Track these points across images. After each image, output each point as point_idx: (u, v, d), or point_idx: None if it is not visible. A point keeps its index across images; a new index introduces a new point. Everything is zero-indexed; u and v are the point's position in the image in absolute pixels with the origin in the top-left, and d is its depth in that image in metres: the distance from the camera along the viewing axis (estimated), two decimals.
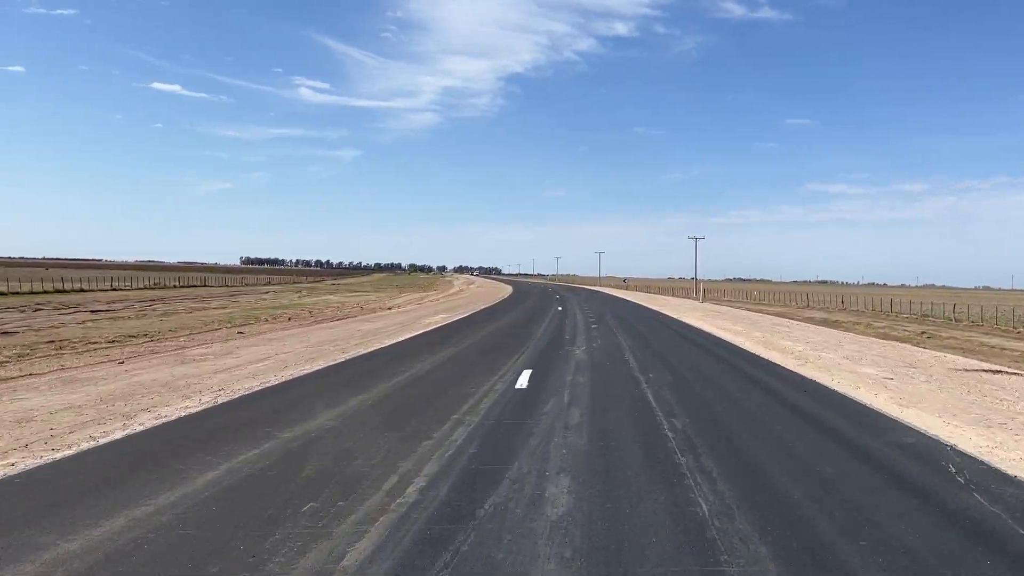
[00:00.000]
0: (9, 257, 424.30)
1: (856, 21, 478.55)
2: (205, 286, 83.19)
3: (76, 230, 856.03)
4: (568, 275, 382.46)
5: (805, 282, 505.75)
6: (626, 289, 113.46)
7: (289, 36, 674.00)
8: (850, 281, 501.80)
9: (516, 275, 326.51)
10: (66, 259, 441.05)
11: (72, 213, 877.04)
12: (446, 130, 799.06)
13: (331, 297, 53.74)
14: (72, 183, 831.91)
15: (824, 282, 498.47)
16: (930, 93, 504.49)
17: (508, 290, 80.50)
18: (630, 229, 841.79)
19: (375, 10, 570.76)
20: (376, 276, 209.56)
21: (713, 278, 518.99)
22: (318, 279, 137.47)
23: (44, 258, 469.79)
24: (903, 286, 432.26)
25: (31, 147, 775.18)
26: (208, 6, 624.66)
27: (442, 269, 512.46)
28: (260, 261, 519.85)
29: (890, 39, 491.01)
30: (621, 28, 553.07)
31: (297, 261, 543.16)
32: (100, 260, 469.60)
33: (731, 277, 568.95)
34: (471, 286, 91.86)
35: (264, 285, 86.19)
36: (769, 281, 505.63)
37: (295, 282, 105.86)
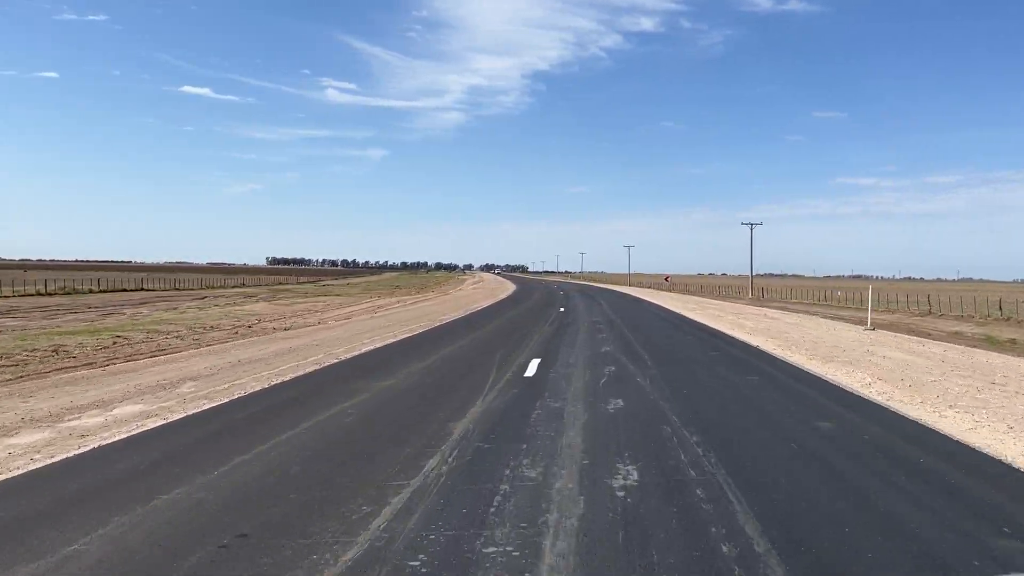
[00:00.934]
0: (27, 259, 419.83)
1: (886, 12, 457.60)
2: (142, 289, 70.01)
3: (110, 232, 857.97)
4: (594, 272, 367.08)
5: (839, 277, 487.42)
6: (668, 290, 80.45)
7: (315, 37, 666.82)
8: (886, 275, 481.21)
9: (541, 272, 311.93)
10: (94, 261, 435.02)
11: (106, 215, 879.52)
12: (472, 128, 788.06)
13: (255, 307, 40.05)
14: (105, 186, 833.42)
15: (858, 276, 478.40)
16: (961, 84, 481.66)
17: (510, 290, 69.25)
18: (655, 225, 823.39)
19: (400, 10, 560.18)
20: (388, 275, 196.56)
21: (740, 273, 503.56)
22: (316, 279, 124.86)
23: (77, 260, 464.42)
24: (939, 280, 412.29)
25: (65, 151, 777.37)
26: (235, 9, 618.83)
27: (468, 267, 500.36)
28: (286, 261, 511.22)
29: (920, 30, 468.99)
30: (647, 23, 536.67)
31: (323, 261, 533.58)
32: (129, 262, 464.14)
33: (759, 273, 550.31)
34: (477, 285, 79.78)
35: (231, 288, 72.60)
36: (801, 276, 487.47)
37: (281, 283, 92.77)
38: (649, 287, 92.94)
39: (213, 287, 72.47)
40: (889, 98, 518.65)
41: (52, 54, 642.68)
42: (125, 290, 65.01)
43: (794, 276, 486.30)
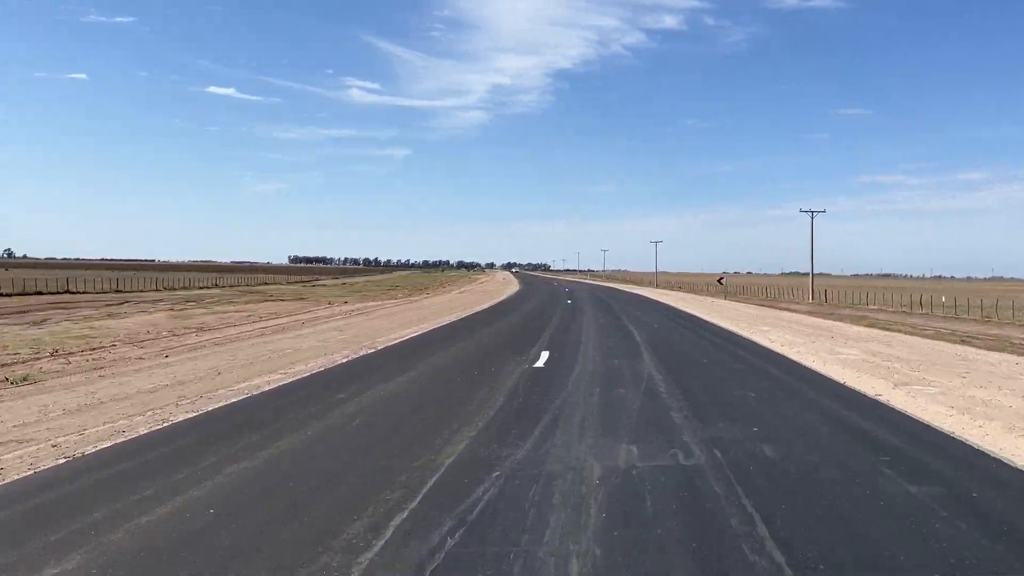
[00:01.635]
0: (52, 258, 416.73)
1: (912, 6, 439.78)
2: (117, 291, 59.46)
3: (138, 232, 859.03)
4: (617, 271, 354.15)
5: (867, 275, 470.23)
6: (723, 296, 58.76)
7: (339, 37, 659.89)
8: (915, 274, 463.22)
9: (561, 272, 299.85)
10: (120, 260, 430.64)
11: (133, 215, 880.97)
12: (495, 127, 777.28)
13: (198, 312, 28.97)
14: (132, 186, 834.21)
15: (887, 275, 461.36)
16: (990, 78, 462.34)
17: (513, 290, 57.75)
18: (679, 223, 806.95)
19: (423, 9, 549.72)
20: (398, 275, 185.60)
21: (769, 272, 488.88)
22: (316, 279, 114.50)
23: (103, 259, 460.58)
24: (970, 279, 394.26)
25: (94, 152, 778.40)
26: (259, 9, 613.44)
27: (490, 265, 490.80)
28: (308, 260, 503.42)
29: (948, 24, 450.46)
30: (670, 21, 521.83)
31: (345, 259, 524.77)
32: (153, 260, 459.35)
33: (786, 271, 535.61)
34: (483, 284, 69.75)
35: (197, 288, 61.52)
36: (828, 275, 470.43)
37: (268, 283, 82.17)
38: (676, 288, 79.50)
39: (172, 288, 61.74)
40: (916, 94, 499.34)
41: (81, 56, 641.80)
42: (40, 293, 54.34)
43: (821, 275, 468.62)
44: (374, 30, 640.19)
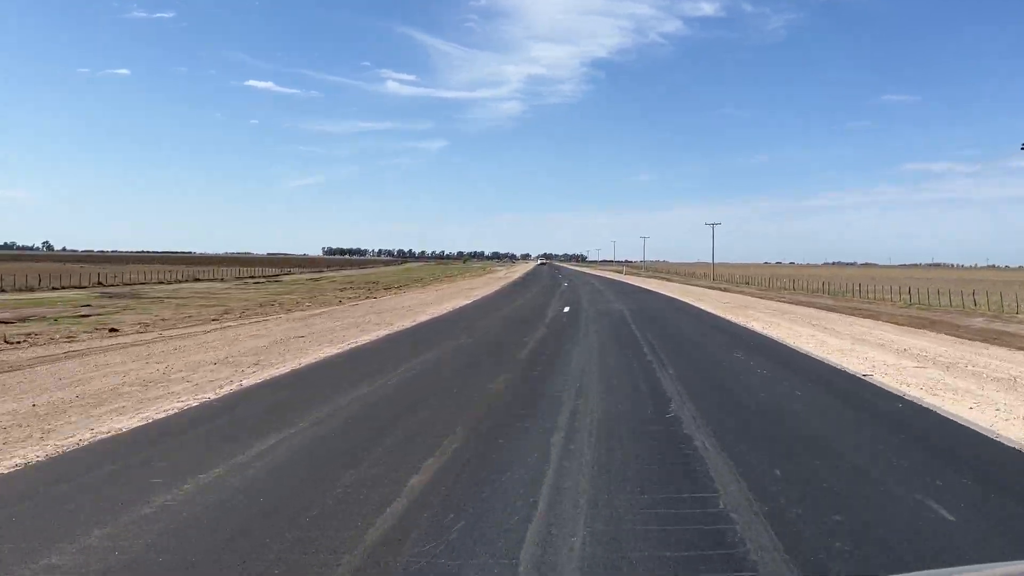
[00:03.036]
0: (98, 251, 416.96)
1: None
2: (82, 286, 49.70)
3: (179, 225, 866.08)
4: (656, 262, 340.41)
5: (915, 266, 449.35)
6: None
7: (375, 29, 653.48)
8: (966, 263, 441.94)
9: (597, 263, 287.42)
10: (159, 252, 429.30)
11: (173, 208, 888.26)
12: (530, 118, 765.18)
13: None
14: (173, 179, 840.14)
15: (937, 265, 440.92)
16: None
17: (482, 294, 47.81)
18: (719, 213, 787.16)
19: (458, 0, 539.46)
20: (414, 266, 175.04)
21: (812, 262, 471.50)
22: (319, 269, 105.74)
23: (143, 251, 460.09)
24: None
25: (136, 146, 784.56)
26: (295, 2, 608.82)
27: (526, 256, 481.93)
28: (341, 251, 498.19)
29: (995, 5, 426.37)
30: (707, 8, 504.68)
31: (379, 251, 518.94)
32: (191, 253, 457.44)
33: (830, 261, 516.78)
34: (483, 278, 59.65)
35: (172, 284, 51.04)
36: (875, 265, 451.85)
37: (282, 274, 72.44)
38: (743, 285, 68.01)
39: (167, 283, 52.50)
40: (963, 79, 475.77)
41: (123, 52, 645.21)
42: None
43: (865, 265, 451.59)
44: (410, 21, 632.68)
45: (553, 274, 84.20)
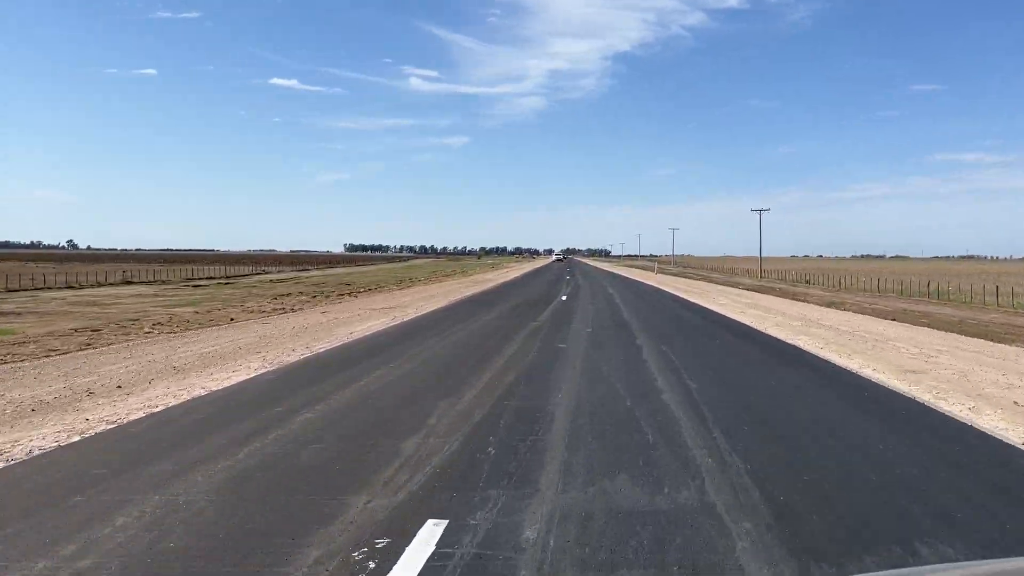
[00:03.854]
0: (121, 249, 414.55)
1: None
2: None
3: (206, 222, 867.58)
4: (682, 255, 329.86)
5: (947, 258, 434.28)
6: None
7: (397, 26, 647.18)
8: (1000, 255, 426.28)
9: (622, 257, 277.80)
10: (183, 250, 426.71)
11: (200, 206, 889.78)
12: (553, 113, 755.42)
13: None
14: (199, 177, 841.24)
15: (970, 257, 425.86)
16: None
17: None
18: (744, 206, 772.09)
19: None
20: (419, 262, 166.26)
21: (840, 255, 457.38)
22: (309, 266, 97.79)
23: (165, 250, 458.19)
24: None
25: (163, 145, 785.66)
26: (319, 1, 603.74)
27: (548, 252, 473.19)
28: (363, 248, 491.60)
29: None
30: (731, 0, 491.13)
31: (401, 247, 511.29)
32: (214, 250, 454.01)
33: (859, 254, 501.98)
34: (469, 279, 49.35)
35: (98, 286, 42.91)
36: (906, 258, 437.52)
37: (264, 272, 64.86)
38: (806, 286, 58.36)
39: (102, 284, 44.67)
40: (992, 68, 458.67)
41: (150, 52, 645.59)
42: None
43: (896, 258, 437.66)
44: (431, 18, 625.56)
45: (562, 274, 61.07)
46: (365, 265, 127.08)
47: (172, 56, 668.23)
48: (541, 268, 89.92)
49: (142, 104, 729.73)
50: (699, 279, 57.68)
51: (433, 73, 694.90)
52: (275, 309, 22.92)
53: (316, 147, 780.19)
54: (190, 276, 62.88)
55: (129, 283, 48.45)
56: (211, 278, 60.77)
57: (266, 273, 79.33)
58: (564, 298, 25.41)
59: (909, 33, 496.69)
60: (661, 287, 38.68)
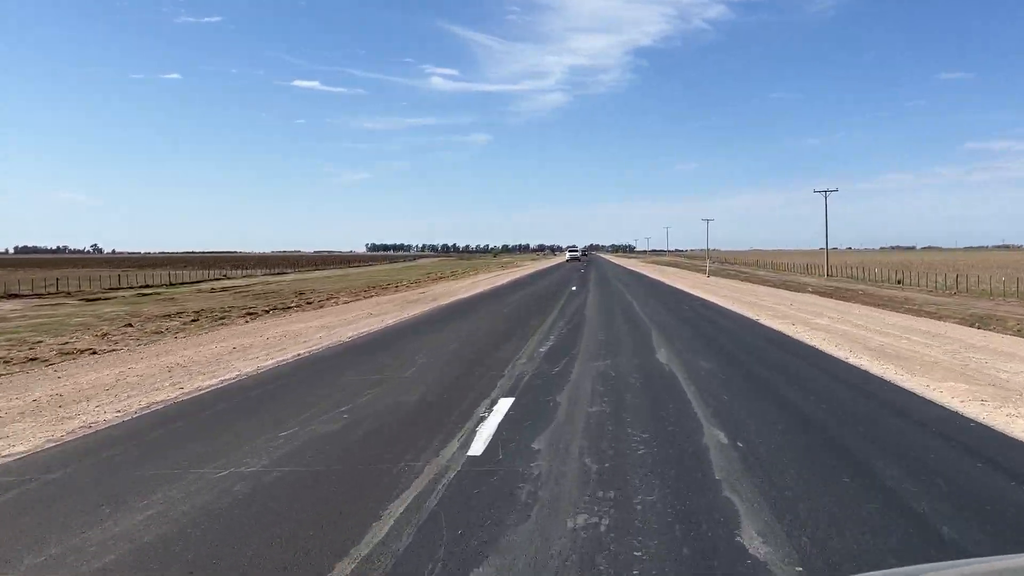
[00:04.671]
0: (144, 252, 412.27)
1: None
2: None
3: (227, 225, 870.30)
4: (709, 250, 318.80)
5: (981, 248, 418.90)
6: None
7: (417, 25, 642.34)
8: None
9: (646, 252, 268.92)
10: (207, 252, 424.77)
11: (225, 208, 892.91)
12: (574, 109, 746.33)
13: None
14: (224, 180, 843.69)
15: (1006, 246, 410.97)
16: None
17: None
18: (769, 199, 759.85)
19: None
20: (431, 261, 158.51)
21: (868, 247, 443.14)
22: (354, 264, 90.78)
23: (190, 252, 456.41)
24: None
25: (188, 148, 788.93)
26: (338, 2, 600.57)
27: (571, 248, 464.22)
28: (385, 247, 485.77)
29: None
30: None
31: (423, 246, 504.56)
32: (235, 252, 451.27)
33: (888, 246, 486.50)
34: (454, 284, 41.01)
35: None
36: (939, 249, 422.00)
37: (225, 277, 58.13)
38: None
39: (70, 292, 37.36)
40: (1019, 54, 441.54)
41: (174, 57, 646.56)
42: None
43: (927, 249, 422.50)
44: (450, 16, 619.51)
45: (569, 276, 51.46)
46: (363, 266, 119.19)
47: (196, 61, 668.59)
48: (547, 269, 75.54)
49: (168, 109, 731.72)
50: (760, 283, 45.69)
51: (454, 72, 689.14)
52: (83, 349, 15.24)
53: (340, 148, 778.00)
54: (113, 286, 50.73)
55: (13, 296, 39.09)
56: (147, 286, 51.08)
57: (228, 278, 70.59)
58: (549, 346, 13.85)
59: (935, 20, 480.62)
60: (750, 315, 20.24)
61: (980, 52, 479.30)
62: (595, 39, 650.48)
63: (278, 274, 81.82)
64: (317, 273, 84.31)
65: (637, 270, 69.96)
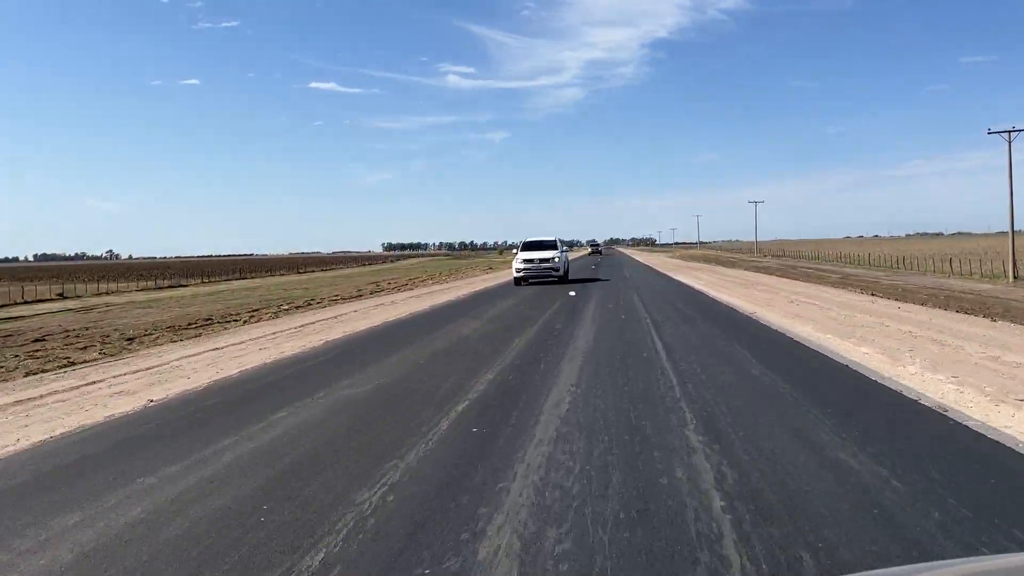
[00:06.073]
0: (160, 257, 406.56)
1: None
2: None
3: (247, 228, 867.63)
4: (728, 242, 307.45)
5: (1019, 233, 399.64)
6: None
7: (431, 24, 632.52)
8: None
9: (667, 246, 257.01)
10: (226, 255, 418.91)
11: (246, 211, 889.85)
12: (592, 103, 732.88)
13: None
14: (244, 183, 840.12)
15: None
16: None
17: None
18: (792, 189, 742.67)
19: None
20: (441, 259, 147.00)
21: (894, 234, 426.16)
22: (348, 265, 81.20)
23: (210, 255, 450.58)
24: None
25: (208, 152, 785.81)
26: (353, 3, 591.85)
27: (591, 243, 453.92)
28: (401, 247, 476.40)
29: None
30: None
31: (439, 244, 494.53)
32: (251, 254, 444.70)
33: (914, 233, 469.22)
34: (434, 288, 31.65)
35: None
36: (970, 234, 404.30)
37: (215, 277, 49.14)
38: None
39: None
40: None
41: (193, 62, 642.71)
42: None
43: (957, 235, 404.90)
44: (465, 14, 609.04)
45: (558, 291, 37.20)
46: (363, 266, 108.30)
47: (214, 65, 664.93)
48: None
49: (187, 113, 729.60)
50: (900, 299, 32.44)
51: (470, 69, 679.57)
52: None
53: (359, 148, 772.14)
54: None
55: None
56: (104, 294, 44.62)
57: (244, 279, 61.84)
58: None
59: (957, 2, 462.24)
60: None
61: (1001, 34, 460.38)
62: (611, 32, 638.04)
63: (267, 275, 70.32)
64: (326, 273, 73.06)
65: (651, 264, 56.51)
